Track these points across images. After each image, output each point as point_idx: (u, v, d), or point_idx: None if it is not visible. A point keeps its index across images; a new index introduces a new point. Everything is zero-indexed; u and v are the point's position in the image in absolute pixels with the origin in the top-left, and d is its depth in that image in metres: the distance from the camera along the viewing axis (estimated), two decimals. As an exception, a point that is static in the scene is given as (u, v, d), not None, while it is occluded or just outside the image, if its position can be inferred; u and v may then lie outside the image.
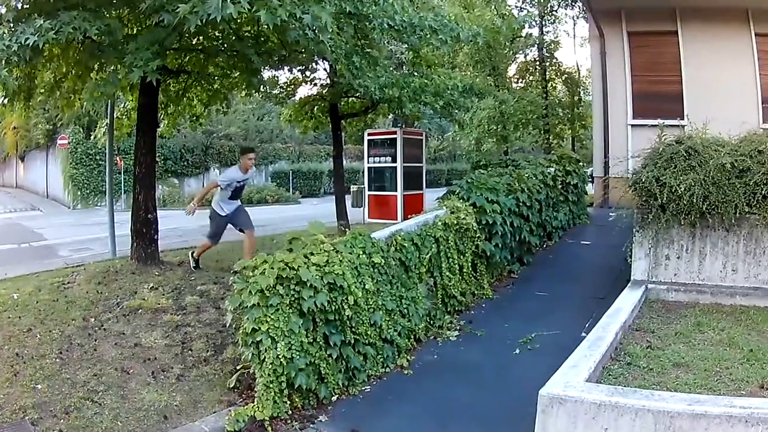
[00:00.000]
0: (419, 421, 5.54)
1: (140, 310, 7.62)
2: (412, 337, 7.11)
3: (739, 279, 7.96)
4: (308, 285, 5.70)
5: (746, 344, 5.98)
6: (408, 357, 6.77)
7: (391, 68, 14.67)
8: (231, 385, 6.02)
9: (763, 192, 7.57)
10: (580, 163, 14.45)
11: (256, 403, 5.43)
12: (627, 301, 7.03)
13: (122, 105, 12.39)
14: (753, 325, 6.78)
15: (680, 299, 7.87)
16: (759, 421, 3.82)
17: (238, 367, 6.11)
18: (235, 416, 5.28)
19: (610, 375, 5.20)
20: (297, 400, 5.68)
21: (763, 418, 3.81)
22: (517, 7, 30.85)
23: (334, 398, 5.90)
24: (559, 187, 12.26)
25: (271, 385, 5.42)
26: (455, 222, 8.34)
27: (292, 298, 5.68)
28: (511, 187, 9.99)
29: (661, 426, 3.93)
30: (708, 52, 14.00)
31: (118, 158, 23.28)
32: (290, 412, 5.53)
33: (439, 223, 8.16)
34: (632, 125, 14.03)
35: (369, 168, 17.77)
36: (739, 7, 14.06)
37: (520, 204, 9.96)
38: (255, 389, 5.59)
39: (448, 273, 8.10)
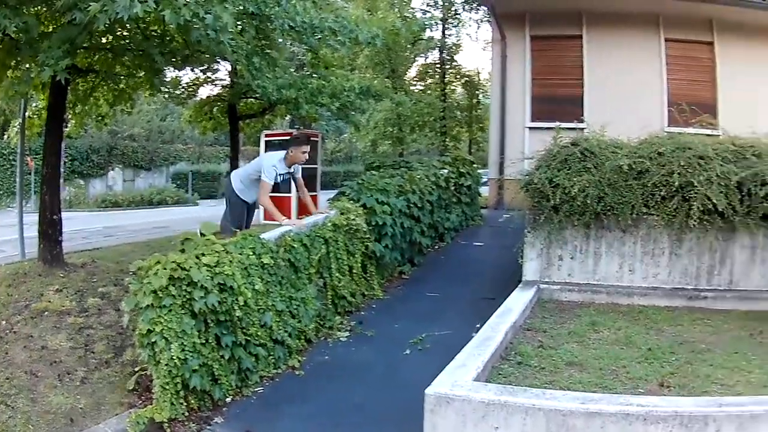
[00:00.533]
0: (312, 422, 5.54)
1: (46, 313, 7.45)
2: (303, 338, 7.10)
3: (636, 279, 8.24)
4: (199, 285, 5.64)
5: (644, 343, 6.17)
6: (299, 358, 6.76)
7: (291, 69, 14.87)
8: (131, 387, 5.99)
9: (662, 193, 7.88)
10: (474, 165, 14.60)
11: (154, 405, 5.36)
12: (518, 301, 7.11)
13: (34, 104, 12.14)
14: (652, 324, 7.02)
15: (575, 299, 8.07)
16: (659, 419, 3.87)
17: (136, 369, 6.04)
18: (135, 418, 5.24)
19: (500, 374, 5.21)
20: (193, 401, 5.63)
21: (662, 416, 3.86)
22: (421, 10, 31.75)
23: (229, 399, 5.89)
24: (452, 188, 12.43)
25: (167, 387, 5.35)
26: (345, 223, 8.38)
27: (184, 299, 5.60)
28: (402, 189, 10.07)
29: (553, 425, 3.93)
30: (614, 56, 14.48)
31: (29, 159, 22.64)
32: (187, 413, 5.49)
33: (329, 224, 8.19)
34: (530, 128, 14.33)
35: None
36: (650, 13, 14.58)
37: (411, 205, 10.06)
38: (153, 391, 5.52)
39: (337, 274, 8.13)
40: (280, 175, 8.32)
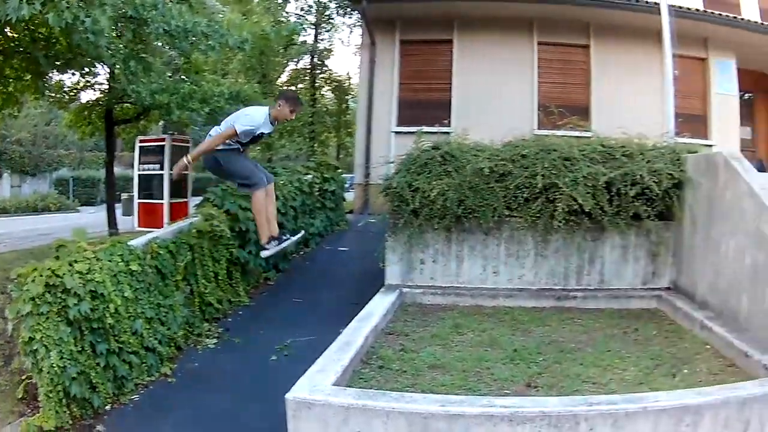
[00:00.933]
0: (184, 430, 5.68)
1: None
2: (173, 345, 7.15)
3: (501, 281, 8.42)
4: (72, 293, 5.71)
5: (510, 344, 6.25)
6: (170, 365, 6.88)
7: (167, 74, 14.77)
8: (20, 396, 5.98)
9: (525, 195, 8.13)
10: (339, 170, 14.69)
11: (41, 413, 5.49)
12: (379, 305, 7.15)
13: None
14: (518, 325, 7.13)
15: (438, 302, 8.11)
16: (525, 420, 3.98)
17: (23, 377, 6.05)
18: (26, 427, 5.38)
19: (361, 378, 5.21)
20: (75, 409, 5.69)
21: (529, 417, 3.98)
22: (295, 14, 31.62)
23: (108, 407, 5.96)
24: (317, 194, 12.50)
25: (50, 395, 5.47)
26: (209, 229, 8.38)
27: (60, 306, 5.70)
28: None
29: (416, 428, 4.01)
30: (485, 60, 14.88)
31: None
32: (71, 422, 5.58)
33: (194, 231, 8.19)
34: (396, 132, 14.52)
35: (139, 175, 17.87)
36: (524, 18, 15.05)
37: None
38: (39, 399, 5.64)
39: (203, 281, 8.15)
40: (260, 132, 7.52)
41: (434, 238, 8.44)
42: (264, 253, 7.93)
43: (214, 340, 7.65)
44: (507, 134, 9.02)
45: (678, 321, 7.52)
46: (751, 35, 16.28)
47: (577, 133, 9.88)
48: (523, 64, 15.20)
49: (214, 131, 7.67)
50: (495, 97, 14.40)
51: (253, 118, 7.38)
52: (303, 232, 8.31)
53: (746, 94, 19.61)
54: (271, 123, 7.48)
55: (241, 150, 7.67)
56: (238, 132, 7.26)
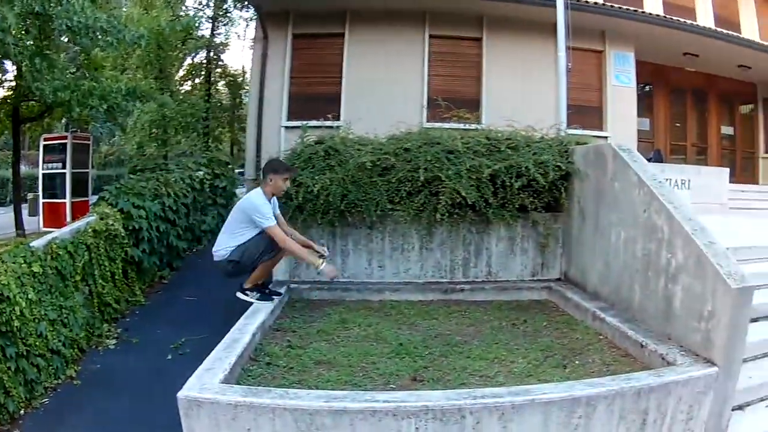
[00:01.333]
0: None
1: None
2: (76, 347, 7.38)
3: (387, 275, 8.72)
4: None
5: (396, 338, 6.41)
6: (75, 367, 7.14)
7: (71, 71, 15.05)
8: None
9: (407, 189, 8.40)
10: (230, 166, 14.98)
11: None
12: (266, 301, 7.22)
13: None
14: (404, 319, 7.29)
15: (325, 297, 8.25)
16: (409, 414, 4.11)
17: None
18: None
19: (249, 376, 5.31)
20: None
21: (413, 411, 4.12)
22: (194, 8, 31.49)
23: (22, 412, 6.16)
24: (208, 190, 12.82)
25: None
26: (104, 228, 8.58)
27: None
28: (158, 192, 10.36)
29: (302, 424, 4.12)
30: (377, 53, 15.01)
31: None
32: None
33: (90, 230, 8.35)
34: (286, 127, 14.53)
35: (43, 174, 18.03)
36: (416, 10, 15.26)
37: (166, 209, 10.36)
38: None
39: (101, 281, 8.36)
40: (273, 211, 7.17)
41: (319, 233, 8.59)
42: (239, 295, 7.36)
43: (114, 341, 7.95)
44: (397, 127, 9.28)
45: (569, 312, 7.80)
46: (650, 28, 16.82)
47: (469, 126, 10.24)
48: (414, 57, 15.38)
49: (232, 230, 7.17)
50: (385, 90, 14.59)
51: (264, 206, 6.96)
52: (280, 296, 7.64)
53: (646, 86, 20.48)
54: (269, 200, 7.11)
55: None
56: (275, 224, 6.94)
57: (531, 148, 8.82)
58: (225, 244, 7.15)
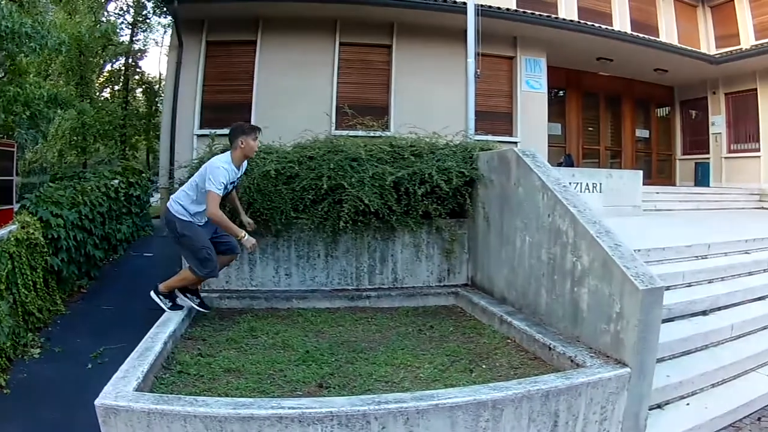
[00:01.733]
0: None
1: None
2: (4, 356, 7.40)
3: (294, 282, 8.92)
4: None
5: (302, 346, 6.61)
6: (4, 376, 7.16)
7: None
8: None
9: (311, 197, 8.58)
10: (143, 174, 14.96)
11: None
12: (177, 310, 7.40)
13: None
14: (311, 326, 7.51)
15: (234, 306, 8.42)
16: (315, 420, 4.29)
17: None
18: None
19: (162, 384, 5.47)
20: None
21: (318, 417, 4.28)
22: (115, 14, 31.45)
23: None
24: (123, 199, 12.74)
25: None
26: (26, 237, 8.62)
27: None
28: (75, 200, 10.40)
29: (212, 431, 4.29)
30: (288, 61, 15.39)
31: None
32: None
33: (12, 239, 8.40)
34: (198, 135, 14.79)
35: None
36: (327, 18, 15.66)
37: (83, 217, 10.37)
38: None
39: (24, 290, 8.39)
40: (231, 183, 7.19)
41: None
42: (163, 301, 7.51)
43: (38, 350, 8.03)
44: (303, 135, 9.56)
45: (476, 317, 8.05)
46: (563, 33, 17.43)
47: (377, 134, 10.55)
48: (324, 64, 15.80)
49: (191, 190, 7.19)
50: (296, 98, 14.87)
51: (227, 170, 7.02)
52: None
53: (559, 91, 21.07)
54: (237, 167, 7.22)
55: (203, 223, 7.28)
56: (220, 194, 6.92)
57: (435, 155, 9.14)
58: (183, 203, 7.21)
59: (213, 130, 10.49)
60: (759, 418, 6.24)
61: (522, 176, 7.75)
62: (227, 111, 15.03)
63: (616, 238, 6.15)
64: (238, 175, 7.41)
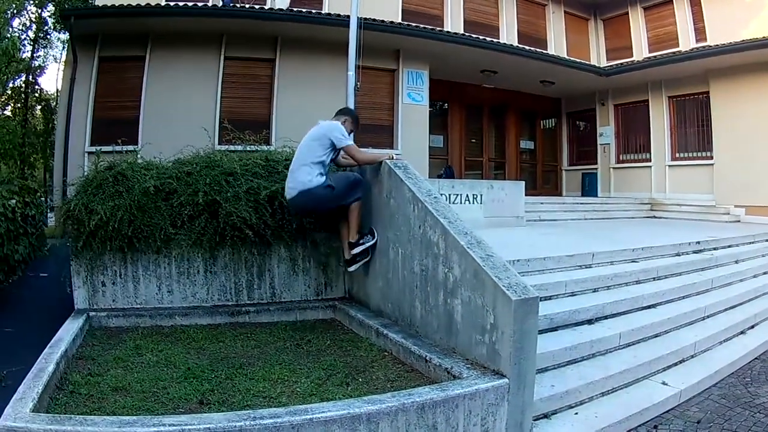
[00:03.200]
0: None
1: None
2: None
3: (176, 300, 9.05)
4: None
5: (185, 363, 6.84)
6: None
7: None
8: None
9: (188, 212, 8.78)
10: (38, 194, 15.04)
11: None
12: (68, 330, 7.56)
13: None
14: (193, 343, 7.76)
15: (121, 324, 8.60)
16: None
17: None
18: None
19: (57, 404, 5.64)
20: None
21: None
22: (18, 29, 31.41)
23: None
24: (20, 219, 12.67)
25: None
26: None
27: None
28: None
29: None
30: (175, 76, 15.81)
31: None
32: None
33: None
34: (89, 152, 15.02)
35: None
36: (214, 32, 16.17)
37: None
38: None
39: None
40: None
41: (112, 260, 8.94)
42: (356, 250, 8.65)
43: None
44: (185, 151, 9.79)
45: (354, 330, 8.36)
46: (446, 46, 18.11)
47: (258, 148, 10.76)
48: (209, 79, 16.32)
49: (317, 162, 8.35)
50: (182, 113, 15.23)
51: (343, 129, 8.45)
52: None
53: (443, 104, 21.79)
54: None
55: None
56: (351, 145, 8.42)
57: None
58: (309, 173, 8.24)
59: (99, 147, 10.81)
60: (655, 426, 6.55)
61: (394, 188, 8.03)
62: (117, 127, 15.22)
63: (487, 248, 6.36)
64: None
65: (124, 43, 15.95)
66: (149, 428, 4.53)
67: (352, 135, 8.53)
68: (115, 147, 10.36)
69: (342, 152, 8.49)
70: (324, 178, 8.19)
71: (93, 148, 14.37)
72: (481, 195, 15.12)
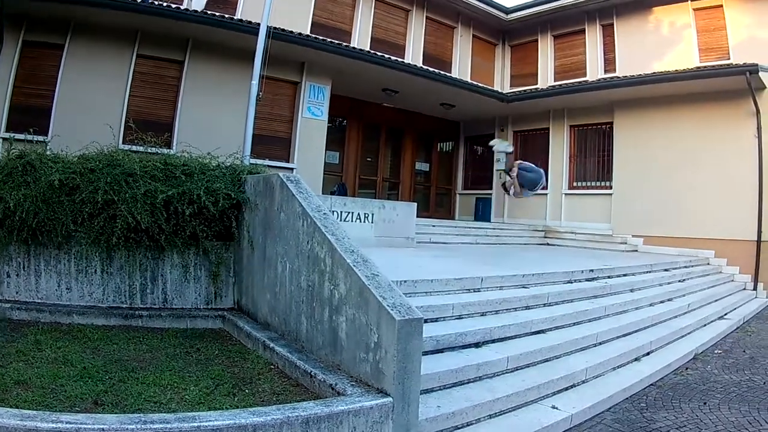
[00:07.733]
0: None
1: None
2: None
3: (74, 297, 9.21)
4: None
5: (81, 362, 6.98)
6: None
7: None
8: None
9: (88, 210, 8.95)
10: None
11: None
12: None
13: None
14: (89, 343, 7.90)
15: (24, 318, 8.72)
16: None
17: None
18: None
19: None
20: None
21: None
22: None
23: None
24: None
25: None
26: None
27: None
28: None
29: None
30: (92, 69, 15.83)
31: None
32: None
33: None
34: (4, 138, 14.66)
35: None
36: (129, 27, 16.27)
37: None
38: None
39: None
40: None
41: (17, 251, 9.14)
42: None
43: None
44: (91, 147, 9.95)
45: (242, 341, 8.52)
46: (348, 62, 18.55)
47: (160, 150, 10.99)
48: (120, 76, 16.36)
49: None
50: (92, 107, 15.32)
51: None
52: None
53: (342, 120, 22.18)
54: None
55: None
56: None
57: (206, 175, 9.63)
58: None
59: (12, 135, 10.85)
60: (545, 449, 6.30)
61: (285, 202, 8.27)
62: (33, 114, 15.25)
63: (374, 267, 6.51)
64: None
65: (48, 30, 15.90)
66: (49, 424, 4.66)
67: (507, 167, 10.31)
68: (27, 135, 10.50)
69: None
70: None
71: (7, 134, 14.23)
72: (373, 214, 15.56)
